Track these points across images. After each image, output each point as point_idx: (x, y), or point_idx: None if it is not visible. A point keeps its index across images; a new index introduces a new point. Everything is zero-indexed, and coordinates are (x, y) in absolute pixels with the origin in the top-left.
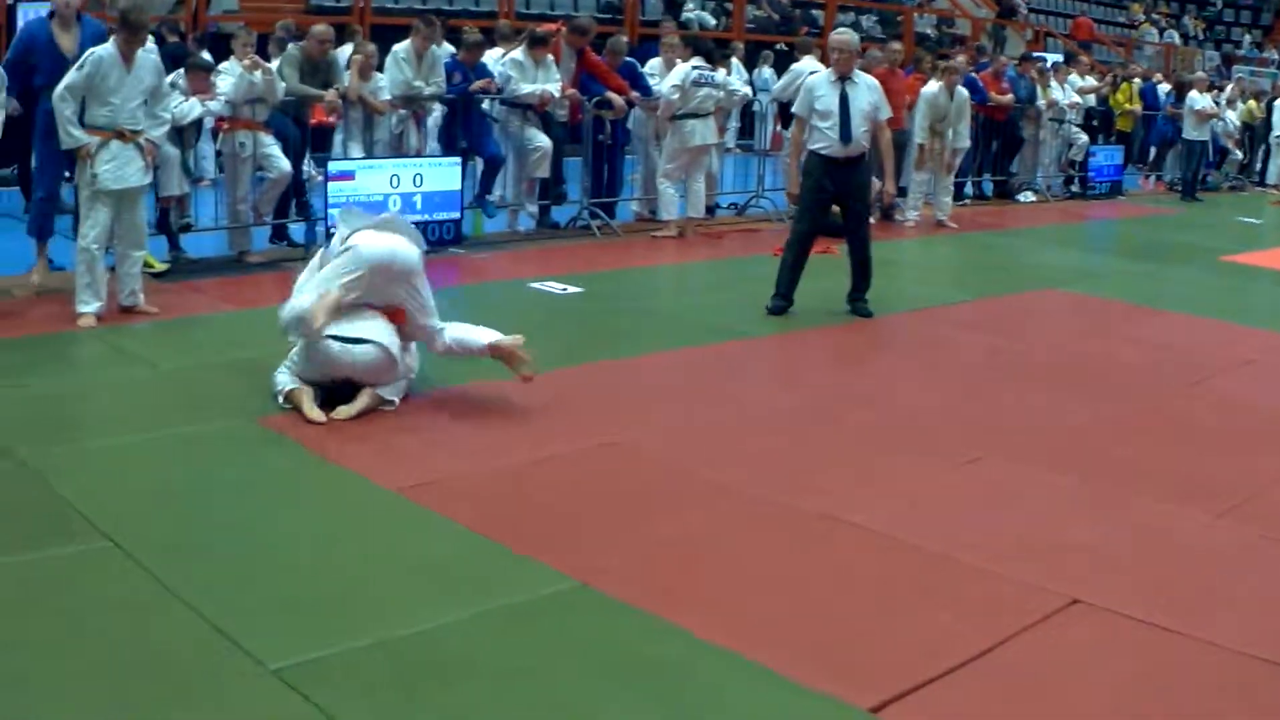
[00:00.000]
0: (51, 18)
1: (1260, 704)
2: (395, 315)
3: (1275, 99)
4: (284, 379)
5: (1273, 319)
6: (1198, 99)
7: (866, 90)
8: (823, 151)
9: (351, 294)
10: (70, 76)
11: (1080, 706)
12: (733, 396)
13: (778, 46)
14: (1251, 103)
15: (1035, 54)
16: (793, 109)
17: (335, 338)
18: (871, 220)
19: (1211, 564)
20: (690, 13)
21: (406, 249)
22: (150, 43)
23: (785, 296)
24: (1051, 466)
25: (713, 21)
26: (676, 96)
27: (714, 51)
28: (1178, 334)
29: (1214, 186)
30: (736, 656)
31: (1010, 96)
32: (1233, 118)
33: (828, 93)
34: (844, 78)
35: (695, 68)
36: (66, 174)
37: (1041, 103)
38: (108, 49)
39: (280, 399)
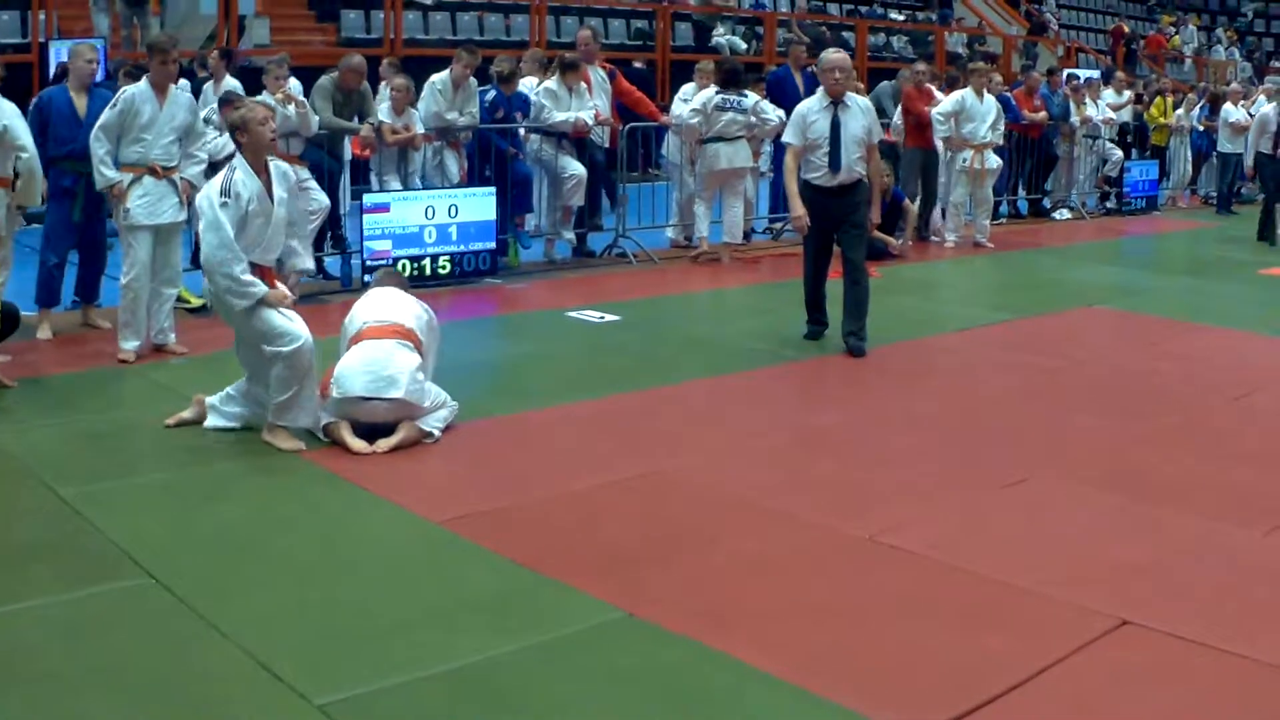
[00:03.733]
0: (63, 79)
1: None
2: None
3: None
4: (321, 414)
5: None
6: (1232, 111)
7: (860, 114)
8: (814, 181)
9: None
10: (104, 116)
11: None
12: (775, 421)
13: (809, 70)
14: None
15: (1069, 70)
16: (783, 137)
17: (361, 397)
18: (909, 242)
19: (1264, 582)
20: (720, 37)
21: None
22: (182, 81)
23: (818, 321)
24: (1098, 485)
25: (744, 46)
26: (696, 120)
27: (743, 76)
28: (1220, 349)
29: (1250, 199)
30: (786, 685)
31: (1044, 114)
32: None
33: (819, 118)
34: (837, 101)
35: (719, 92)
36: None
37: (1075, 119)
38: (140, 86)
39: (320, 433)
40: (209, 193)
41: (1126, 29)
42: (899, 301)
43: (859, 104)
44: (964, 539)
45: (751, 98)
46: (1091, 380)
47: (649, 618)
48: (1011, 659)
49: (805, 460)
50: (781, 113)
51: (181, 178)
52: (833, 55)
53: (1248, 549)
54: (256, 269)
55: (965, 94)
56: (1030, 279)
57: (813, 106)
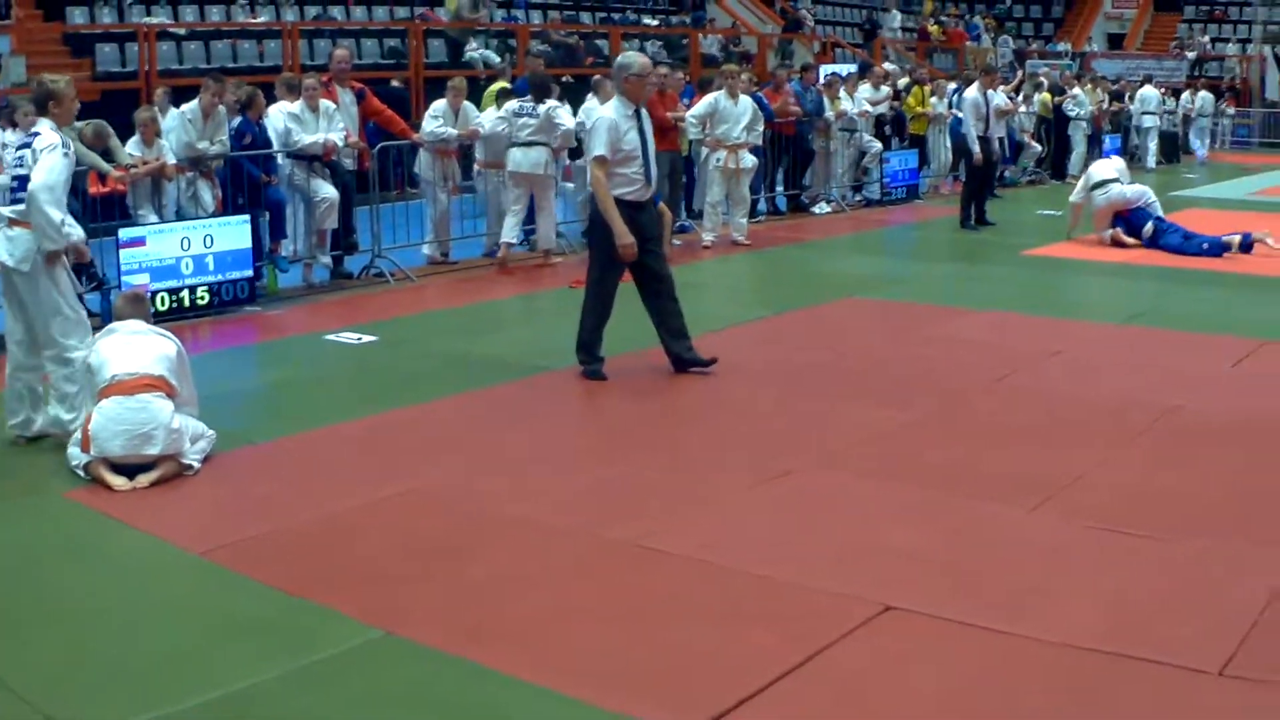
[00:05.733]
0: None
1: (1083, 695)
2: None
3: (1068, 91)
4: (81, 453)
5: (1076, 310)
6: (993, 96)
7: (647, 121)
8: (629, 197)
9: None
10: None
11: (896, 713)
12: (537, 432)
13: (564, 79)
14: (1045, 95)
15: (826, 65)
16: (596, 150)
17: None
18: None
19: (1028, 559)
20: (474, 52)
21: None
22: None
23: (599, 357)
24: (862, 474)
25: (497, 59)
26: (503, 128)
27: (549, 87)
28: (983, 331)
29: (1013, 181)
30: (550, 693)
31: (797, 109)
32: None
33: (630, 129)
34: (639, 111)
35: (521, 102)
36: None
37: (830, 114)
38: None
39: (80, 472)
40: (47, 144)
41: (931, 28)
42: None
43: (643, 111)
44: (728, 537)
45: (548, 104)
46: (854, 370)
47: (410, 636)
48: (775, 652)
49: (567, 468)
50: (570, 123)
51: None
52: (638, 59)
53: (1012, 528)
54: None
55: (718, 96)
56: (790, 274)
57: (620, 115)
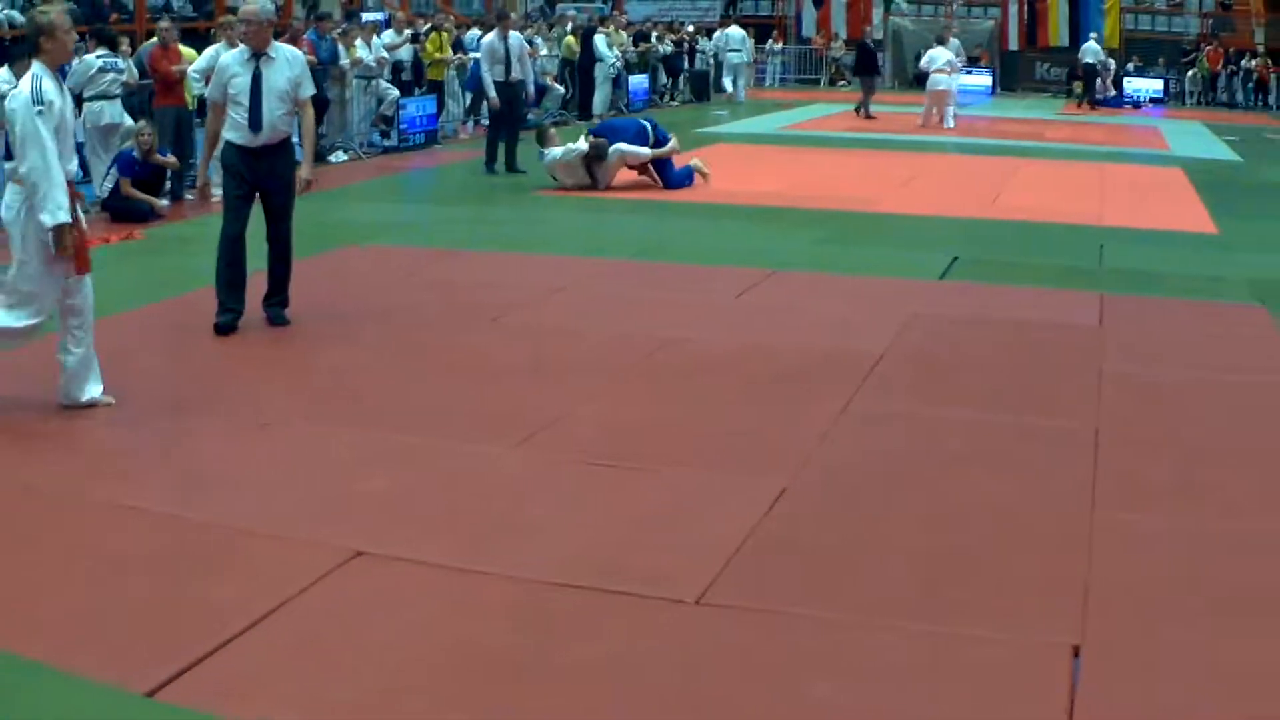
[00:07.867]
0: None
1: (554, 630)
2: None
3: (592, 34)
4: None
5: (584, 247)
6: (515, 40)
7: (286, 65)
8: (236, 141)
9: None
10: None
11: (355, 658)
12: (26, 391)
13: (84, 35)
14: (570, 38)
15: (357, 13)
16: (208, 94)
17: None
18: (168, 203)
19: (507, 497)
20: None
21: None
22: None
23: (233, 309)
24: (345, 423)
25: (21, 18)
26: (74, 83)
27: (117, 40)
28: (486, 272)
29: (535, 124)
30: (15, 658)
31: (311, 58)
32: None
33: (240, 73)
34: (259, 54)
35: (100, 56)
36: None
37: (346, 62)
38: None
39: None
40: (17, 103)
41: None
42: (162, 262)
43: (285, 55)
44: (203, 491)
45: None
46: (346, 317)
47: None
48: (240, 604)
49: (54, 429)
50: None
51: None
52: (246, 8)
53: (492, 467)
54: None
55: (219, 48)
56: (296, 224)
57: (234, 59)
